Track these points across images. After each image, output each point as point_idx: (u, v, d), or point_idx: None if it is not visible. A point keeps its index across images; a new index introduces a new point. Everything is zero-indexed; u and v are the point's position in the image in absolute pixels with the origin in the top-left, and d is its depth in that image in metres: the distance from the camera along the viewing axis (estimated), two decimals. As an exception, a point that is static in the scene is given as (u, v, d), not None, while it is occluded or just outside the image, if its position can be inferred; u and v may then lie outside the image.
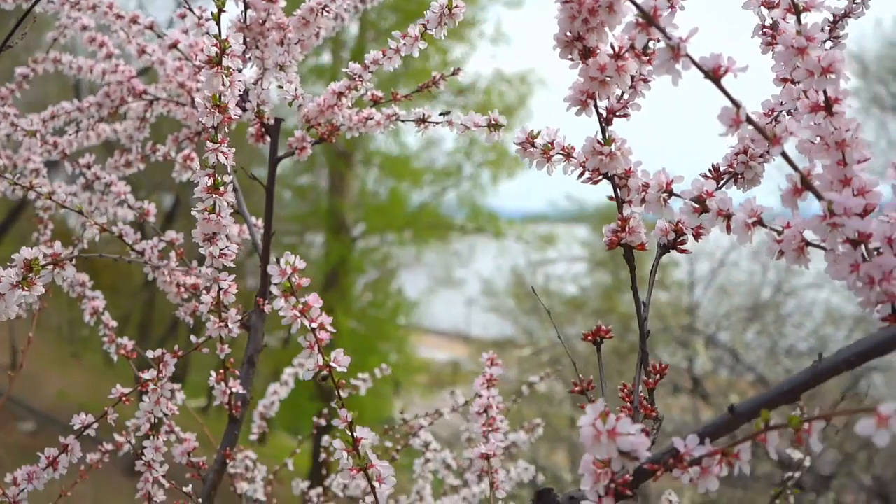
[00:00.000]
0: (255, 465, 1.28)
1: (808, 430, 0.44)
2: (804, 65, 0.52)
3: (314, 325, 0.60)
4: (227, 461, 0.97)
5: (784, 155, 0.50)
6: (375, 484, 0.63)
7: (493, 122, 0.83)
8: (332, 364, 0.61)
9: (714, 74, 0.50)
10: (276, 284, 0.60)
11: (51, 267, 0.65)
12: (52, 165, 1.49)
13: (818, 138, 0.53)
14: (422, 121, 0.92)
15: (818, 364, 0.49)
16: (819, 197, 0.50)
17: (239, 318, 0.89)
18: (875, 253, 0.51)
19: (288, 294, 0.60)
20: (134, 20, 1.10)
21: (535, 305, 8.66)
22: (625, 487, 0.52)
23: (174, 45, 1.07)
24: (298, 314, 0.60)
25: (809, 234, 0.54)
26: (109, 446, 1.11)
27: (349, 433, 0.63)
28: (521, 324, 9.73)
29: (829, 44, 0.69)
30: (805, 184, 0.50)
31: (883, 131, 8.41)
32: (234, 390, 0.95)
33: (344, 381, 0.64)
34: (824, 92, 0.52)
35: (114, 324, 1.08)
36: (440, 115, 0.89)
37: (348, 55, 8.95)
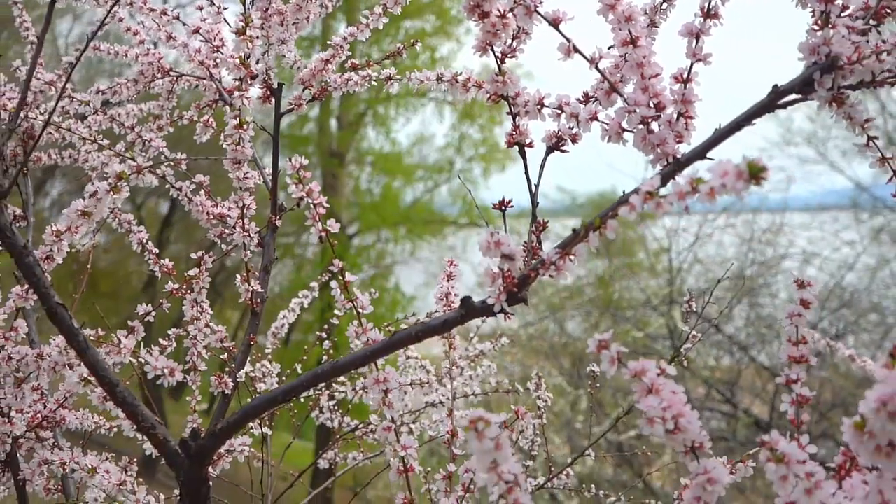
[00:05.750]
0: (271, 364, 1.59)
1: (606, 227, 0.75)
2: (615, 16, 0.83)
3: (315, 202, 0.91)
4: (252, 344, 1.28)
5: (599, 71, 0.82)
6: (360, 309, 0.94)
7: (439, 76, 1.14)
8: (328, 228, 0.92)
9: (554, 23, 0.81)
10: (289, 175, 0.90)
11: (135, 175, 0.96)
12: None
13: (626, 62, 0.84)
14: (388, 79, 1.23)
15: (624, 198, 0.80)
16: (621, 95, 0.81)
17: (258, 229, 1.20)
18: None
19: (297, 181, 0.91)
20: (164, 12, 1.40)
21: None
22: (513, 287, 0.83)
23: (196, 31, 1.37)
24: (305, 194, 0.91)
25: (625, 124, 0.85)
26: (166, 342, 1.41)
27: (342, 278, 0.94)
28: (520, 315, 9.97)
29: (665, 4, 0.99)
30: (612, 88, 0.82)
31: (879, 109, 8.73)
32: (254, 289, 1.26)
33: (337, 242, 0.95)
34: (629, 31, 0.83)
35: (156, 250, 1.39)
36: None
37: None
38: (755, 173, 0.58)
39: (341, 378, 1.69)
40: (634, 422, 7.24)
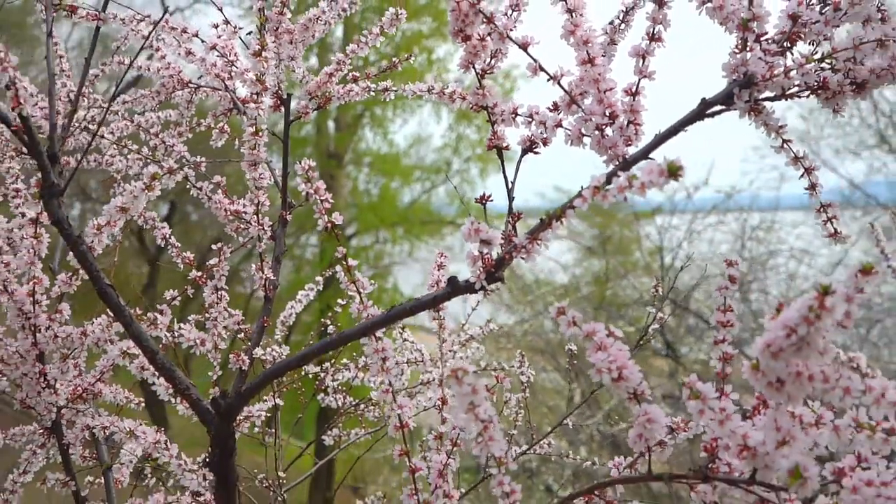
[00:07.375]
0: (281, 347, 1.75)
1: (566, 216, 0.91)
2: (574, 39, 0.99)
3: (322, 198, 1.07)
4: (265, 325, 1.44)
5: (561, 86, 0.98)
6: (361, 289, 1.09)
7: (430, 87, 1.30)
8: (333, 220, 1.08)
9: (523, 46, 0.97)
10: (298, 175, 1.06)
11: (168, 175, 1.12)
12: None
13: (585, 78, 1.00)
14: (385, 90, 1.39)
15: (579, 192, 0.96)
16: (578, 106, 0.97)
17: (271, 223, 1.36)
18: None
19: (306, 180, 1.07)
20: (184, 30, 1.56)
21: (522, 294, 9.06)
22: (492, 267, 0.99)
23: (213, 47, 1.53)
24: (312, 192, 1.07)
25: (583, 130, 1.01)
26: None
27: (345, 262, 1.10)
28: (517, 313, 10.06)
29: (623, 25, 1.15)
30: (572, 100, 0.98)
31: (855, 110, 8.92)
32: (268, 277, 1.42)
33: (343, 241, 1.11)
34: (587, 52, 0.99)
35: (178, 245, 1.55)
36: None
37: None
38: (673, 171, 0.74)
39: (344, 360, 1.85)
40: (627, 415, 7.40)
